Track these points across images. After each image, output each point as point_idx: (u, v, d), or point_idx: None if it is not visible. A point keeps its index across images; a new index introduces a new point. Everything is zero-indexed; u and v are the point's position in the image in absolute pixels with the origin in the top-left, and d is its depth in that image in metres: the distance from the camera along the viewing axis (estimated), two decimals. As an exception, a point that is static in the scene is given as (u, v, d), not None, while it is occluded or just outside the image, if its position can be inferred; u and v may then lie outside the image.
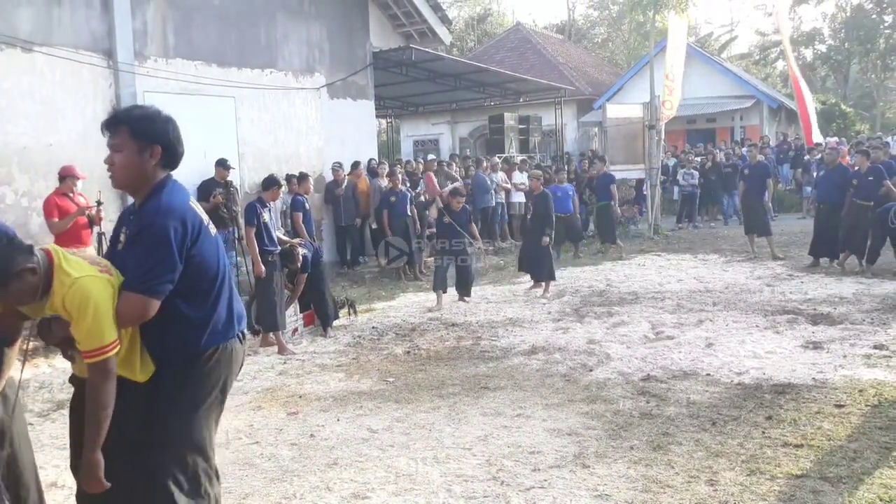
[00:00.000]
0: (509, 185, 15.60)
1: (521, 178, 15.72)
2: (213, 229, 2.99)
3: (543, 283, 10.40)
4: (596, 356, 6.80)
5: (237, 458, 4.73)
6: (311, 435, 5.11)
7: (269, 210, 7.90)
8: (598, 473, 4.21)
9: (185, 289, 2.81)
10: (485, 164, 15.48)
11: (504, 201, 15.48)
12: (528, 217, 10.77)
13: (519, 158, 16.88)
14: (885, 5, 38.51)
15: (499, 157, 16.31)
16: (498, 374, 6.44)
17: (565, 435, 4.85)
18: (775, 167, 19.27)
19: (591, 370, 6.39)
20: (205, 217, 2.96)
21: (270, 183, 7.95)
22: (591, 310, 8.97)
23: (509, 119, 17.48)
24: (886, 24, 38.78)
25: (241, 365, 3.13)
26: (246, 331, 3.15)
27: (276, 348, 7.67)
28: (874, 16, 38.96)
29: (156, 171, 2.88)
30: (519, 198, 15.63)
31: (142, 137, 2.83)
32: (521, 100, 20.68)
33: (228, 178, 10.11)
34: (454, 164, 15.15)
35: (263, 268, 7.60)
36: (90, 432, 2.69)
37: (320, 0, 12.46)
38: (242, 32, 11.28)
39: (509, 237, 15.66)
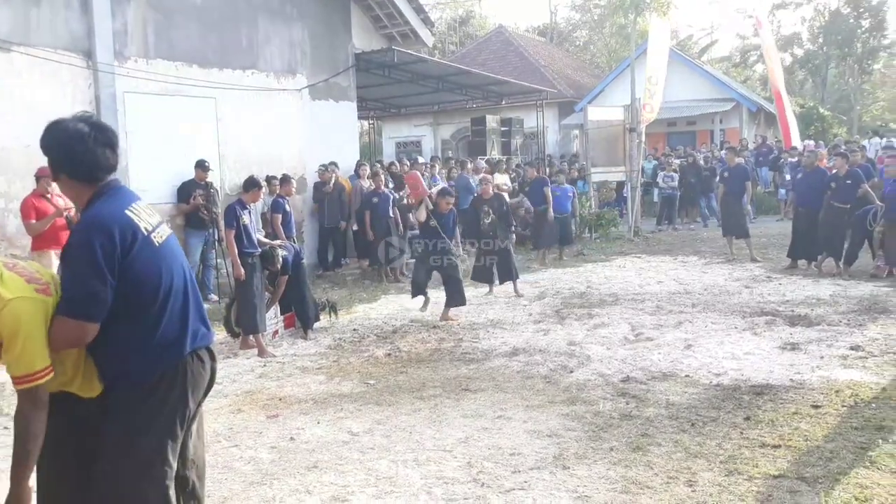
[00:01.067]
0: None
1: (502, 178, 15.79)
2: (160, 237, 2.76)
3: (512, 284, 10.43)
4: (576, 357, 6.83)
5: (216, 461, 4.70)
6: (291, 438, 5.09)
7: (250, 212, 7.87)
8: (578, 475, 4.23)
9: (122, 307, 2.60)
10: (469, 165, 15.50)
11: None
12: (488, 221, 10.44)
13: (496, 160, 16.93)
14: (861, 10, 39.02)
15: (482, 159, 16.34)
16: (479, 375, 6.46)
17: (545, 436, 4.87)
18: (754, 170, 19.47)
19: (571, 371, 6.42)
20: (148, 224, 2.73)
21: (251, 184, 7.92)
22: (571, 311, 9.00)
23: (491, 121, 17.53)
24: (863, 29, 39.28)
25: (207, 386, 2.90)
26: (211, 346, 2.91)
27: (256, 351, 7.63)
28: (851, 20, 39.45)
29: (78, 188, 2.72)
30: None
31: (50, 164, 2.77)
32: (503, 102, 20.72)
33: (208, 180, 10.07)
34: (437, 166, 15.16)
35: (243, 270, 7.57)
36: (17, 464, 2.50)
37: (302, 1, 12.44)
38: (224, 33, 11.23)
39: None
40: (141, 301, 2.66)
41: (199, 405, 2.88)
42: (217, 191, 10.28)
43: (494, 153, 17.43)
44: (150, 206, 2.90)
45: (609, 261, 13.29)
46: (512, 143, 18.42)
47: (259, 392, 6.31)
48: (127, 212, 2.69)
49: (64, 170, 2.72)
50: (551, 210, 13.22)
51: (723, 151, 18.95)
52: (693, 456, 4.43)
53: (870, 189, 10.76)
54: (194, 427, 2.91)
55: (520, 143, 19.23)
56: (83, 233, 2.61)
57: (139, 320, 2.66)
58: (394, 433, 5.08)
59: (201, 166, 9.89)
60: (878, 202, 10.44)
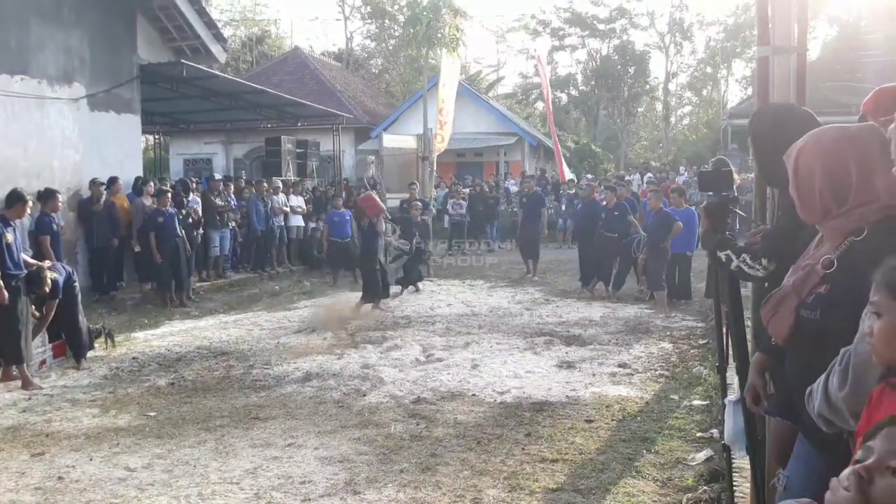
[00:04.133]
0: (287, 209, 15.39)
1: (297, 201, 15.64)
2: None
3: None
4: (370, 380, 6.88)
5: (-33, 509, 4.19)
6: (60, 477, 4.66)
7: (14, 229, 7.14)
8: (368, 499, 4.25)
9: None
10: (265, 185, 15.17)
11: (283, 224, 15.24)
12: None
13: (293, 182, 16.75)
14: (627, 57, 43.19)
15: (280, 180, 16.06)
16: (270, 403, 6.30)
17: (337, 462, 4.84)
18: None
19: (364, 395, 6.45)
20: None
21: (14, 199, 7.20)
22: (366, 334, 9.06)
23: (287, 142, 17.26)
24: (630, 75, 43.45)
25: None
26: None
27: (19, 383, 6.90)
28: (619, 66, 43.51)
29: None
30: (297, 221, 15.53)
31: None
32: (300, 124, 20.52)
33: None
34: (230, 185, 14.64)
35: (6, 294, 6.83)
36: None
37: (81, 8, 11.56)
38: (-12, 33, 10.18)
39: (286, 261, 15.44)
40: None
41: None
42: None
43: (290, 174, 17.18)
44: None
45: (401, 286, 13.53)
46: (308, 166, 18.25)
47: (22, 428, 5.71)
48: None
49: None
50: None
51: (509, 182, 20.12)
52: (479, 473, 4.61)
53: (635, 220, 11.90)
54: None
55: (316, 165, 19.10)
56: None
57: None
58: (176, 467, 4.80)
59: None
60: (641, 232, 11.55)
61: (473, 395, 6.40)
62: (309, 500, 4.26)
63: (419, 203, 14.02)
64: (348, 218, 14.37)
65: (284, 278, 14.26)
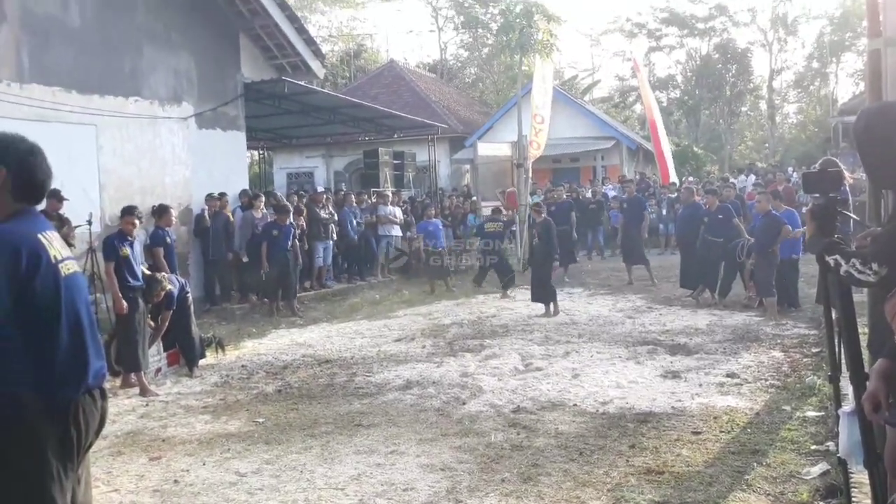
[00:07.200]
0: (395, 219, 15.59)
1: (394, 211, 15.90)
2: (67, 269, 2.62)
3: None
4: (469, 389, 6.88)
5: (93, 509, 4.43)
6: (175, 481, 4.87)
7: (132, 243, 7.54)
8: (471, 508, 4.24)
9: (16, 335, 2.44)
10: (353, 198, 15.48)
11: (391, 234, 15.49)
12: None
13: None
14: (728, 56, 41.83)
15: (375, 192, 16.37)
16: (372, 410, 6.39)
17: (438, 470, 4.86)
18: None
19: (464, 403, 6.46)
20: (58, 253, 2.60)
21: (125, 213, 7.62)
22: (464, 343, 9.08)
23: (384, 154, 17.59)
24: (731, 74, 42.06)
25: (99, 427, 2.71)
26: (104, 387, 2.74)
27: (137, 390, 7.28)
28: (720, 65, 42.18)
29: (6, 202, 2.57)
30: (395, 231, 15.74)
31: None
32: (396, 136, 20.87)
33: (61, 211, 9.38)
34: (330, 197, 15.02)
35: (125, 304, 7.23)
36: None
37: (188, 30, 12.17)
38: (105, 58, 10.83)
39: (385, 271, 15.69)
40: (38, 329, 2.49)
41: (88, 448, 2.69)
42: (69, 221, 9.54)
43: (388, 185, 17.49)
44: (61, 240, 2.76)
45: (498, 292, 13.50)
46: (405, 177, 18.53)
47: (140, 433, 6.01)
48: (39, 235, 2.57)
49: (12, 180, 2.57)
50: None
51: (608, 186, 19.76)
52: (581, 485, 4.53)
53: (740, 223, 11.45)
54: (81, 472, 2.72)
55: (412, 176, 19.37)
56: None
57: (34, 350, 2.49)
58: (283, 473, 4.94)
59: (55, 196, 9.08)
60: (746, 236, 11.10)
61: (574, 405, 6.30)
62: (412, 507, 4.29)
63: (540, 203, 14.03)
64: (441, 227, 14.52)
65: (383, 287, 14.47)
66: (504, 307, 11.88)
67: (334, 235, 13.89)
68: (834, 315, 3.04)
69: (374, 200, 15.80)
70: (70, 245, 8.98)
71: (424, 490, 4.52)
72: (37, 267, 2.49)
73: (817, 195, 2.95)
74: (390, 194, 15.91)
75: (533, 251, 11.84)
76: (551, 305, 11.05)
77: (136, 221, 7.72)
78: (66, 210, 9.27)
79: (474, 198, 19.09)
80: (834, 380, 3.23)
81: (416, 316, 11.28)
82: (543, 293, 11.13)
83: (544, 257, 11.36)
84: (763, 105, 47.42)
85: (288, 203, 12.57)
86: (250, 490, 4.66)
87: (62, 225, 9.13)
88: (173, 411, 6.66)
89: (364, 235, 14.91)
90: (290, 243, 11.72)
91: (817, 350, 7.94)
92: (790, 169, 25.05)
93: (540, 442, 5.35)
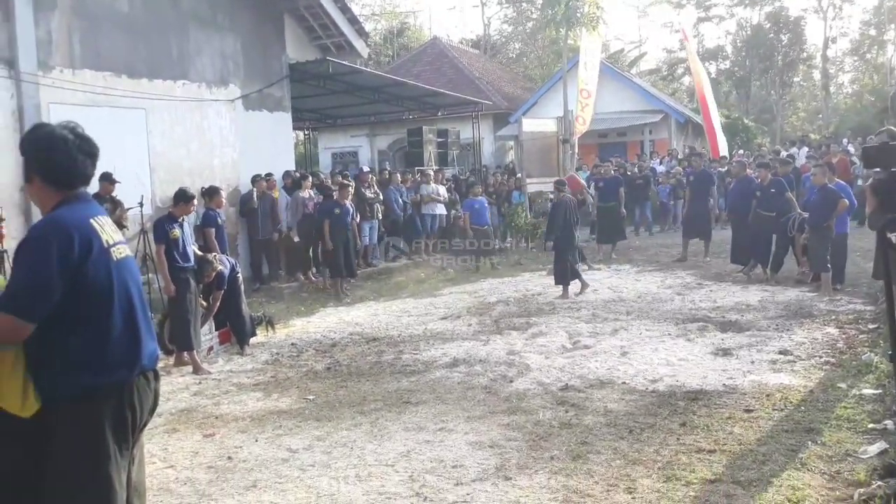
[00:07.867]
0: (440, 197, 15.56)
1: (439, 189, 15.85)
2: (119, 253, 2.70)
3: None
4: (516, 367, 6.87)
5: (151, 483, 4.54)
6: (229, 457, 4.98)
7: (182, 225, 7.65)
8: (520, 485, 4.25)
9: (71, 317, 2.52)
10: (398, 176, 15.49)
11: (435, 213, 15.47)
12: None
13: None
14: (781, 25, 40.64)
15: (419, 170, 16.36)
16: (420, 387, 6.43)
17: (487, 447, 4.87)
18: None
19: (511, 381, 6.45)
20: (110, 238, 2.68)
21: (179, 197, 7.67)
22: (510, 321, 9.06)
23: (428, 132, 17.56)
24: (783, 43, 40.89)
25: (152, 408, 2.82)
26: (157, 369, 2.85)
27: (190, 368, 7.45)
28: (771, 35, 41.01)
29: (48, 193, 2.66)
30: (440, 209, 15.67)
31: (25, 165, 2.70)
32: (439, 113, 20.81)
33: (114, 193, 9.58)
34: (372, 176, 15.07)
35: (174, 286, 7.36)
36: None
37: (234, 12, 12.26)
38: (153, 43, 10.98)
39: (430, 249, 15.70)
40: (92, 313, 2.57)
41: (143, 428, 2.78)
42: (122, 203, 9.73)
43: (432, 163, 17.48)
44: (113, 224, 2.84)
45: (545, 269, 13.41)
46: (449, 154, 18.49)
47: (194, 410, 6.15)
48: (91, 221, 2.65)
49: (38, 172, 2.67)
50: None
51: (654, 161, 19.39)
52: (632, 463, 4.50)
53: (792, 197, 11.15)
54: (136, 451, 2.81)
55: (456, 154, 19.32)
56: (42, 231, 2.56)
57: (89, 334, 2.57)
58: (334, 449, 5.01)
59: (107, 178, 9.26)
60: (798, 210, 10.79)
61: (623, 382, 6.25)
62: (461, 483, 4.31)
63: (563, 180, 13.77)
64: (487, 205, 14.44)
65: (428, 266, 14.51)
66: (549, 284, 11.79)
67: (380, 215, 13.95)
68: (895, 292, 2.95)
69: (417, 179, 15.79)
70: (123, 227, 9.21)
71: (473, 467, 4.55)
72: (89, 252, 2.56)
73: (878, 170, 2.85)
74: (432, 173, 15.87)
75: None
76: (571, 285, 10.74)
77: (192, 208, 7.85)
78: (118, 192, 9.50)
79: (519, 175, 18.95)
80: (894, 357, 3.13)
81: (462, 294, 11.29)
82: (558, 274, 10.85)
83: (565, 241, 10.88)
84: (816, 75, 46.10)
85: (349, 181, 12.60)
86: (302, 466, 4.73)
87: (115, 207, 9.36)
88: (226, 389, 6.80)
89: (409, 214, 14.95)
90: (349, 222, 11.79)
91: (874, 326, 7.73)
92: (845, 140, 24.27)
93: (589, 420, 5.33)
